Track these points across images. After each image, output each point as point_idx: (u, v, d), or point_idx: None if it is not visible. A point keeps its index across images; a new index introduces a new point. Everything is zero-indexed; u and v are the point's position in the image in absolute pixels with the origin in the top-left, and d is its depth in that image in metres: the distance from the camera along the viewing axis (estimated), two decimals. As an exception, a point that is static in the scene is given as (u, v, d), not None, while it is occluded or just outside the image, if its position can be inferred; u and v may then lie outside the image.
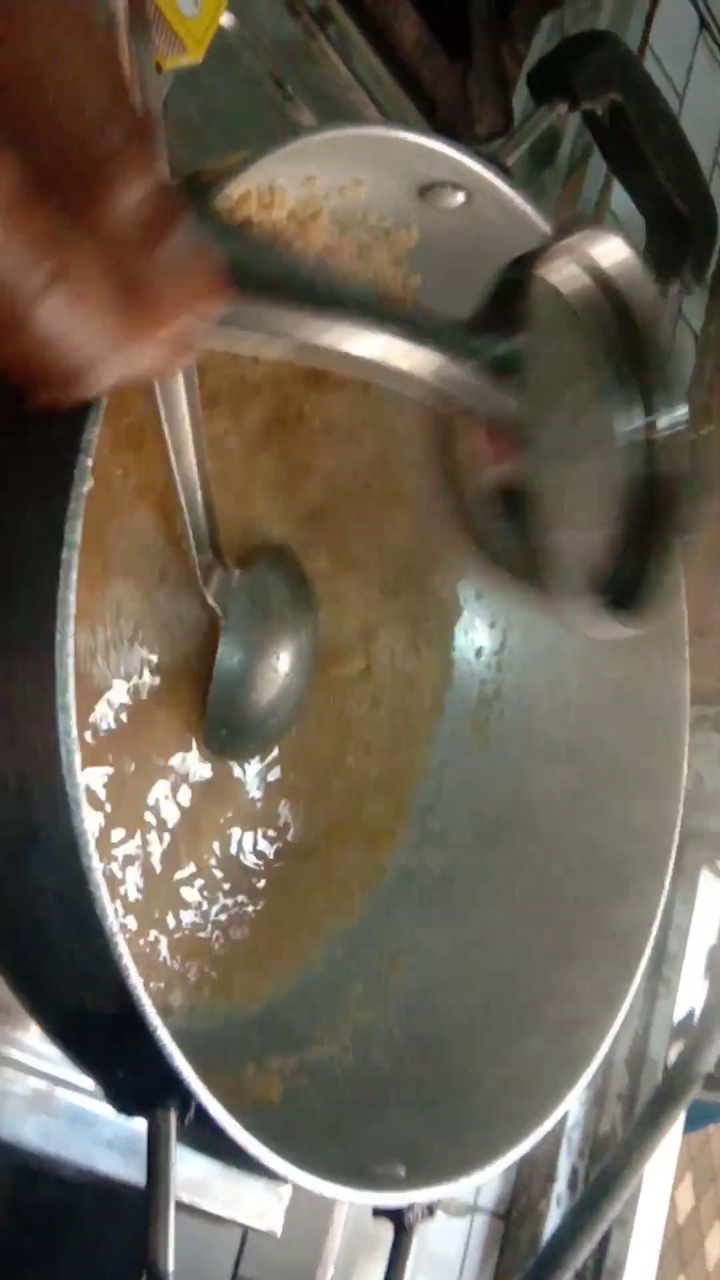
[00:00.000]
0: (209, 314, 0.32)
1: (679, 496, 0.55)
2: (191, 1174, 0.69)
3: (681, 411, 0.55)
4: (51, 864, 0.43)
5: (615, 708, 0.71)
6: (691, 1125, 1.85)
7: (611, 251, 0.52)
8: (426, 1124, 0.60)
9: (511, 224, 0.59)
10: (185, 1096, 0.45)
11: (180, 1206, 0.66)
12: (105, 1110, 0.64)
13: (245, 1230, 0.74)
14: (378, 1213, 0.54)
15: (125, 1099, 0.46)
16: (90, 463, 0.41)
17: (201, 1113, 0.45)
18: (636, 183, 0.64)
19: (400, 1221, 0.54)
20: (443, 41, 0.78)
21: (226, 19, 0.66)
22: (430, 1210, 0.54)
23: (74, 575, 0.41)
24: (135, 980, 0.43)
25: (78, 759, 0.41)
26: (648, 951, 0.65)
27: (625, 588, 0.53)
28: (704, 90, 1.11)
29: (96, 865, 0.41)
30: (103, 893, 0.41)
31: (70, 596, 0.41)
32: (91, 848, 0.41)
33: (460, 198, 0.58)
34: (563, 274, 0.52)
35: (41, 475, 0.42)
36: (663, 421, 0.55)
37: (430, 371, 0.43)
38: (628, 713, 0.70)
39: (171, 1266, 0.44)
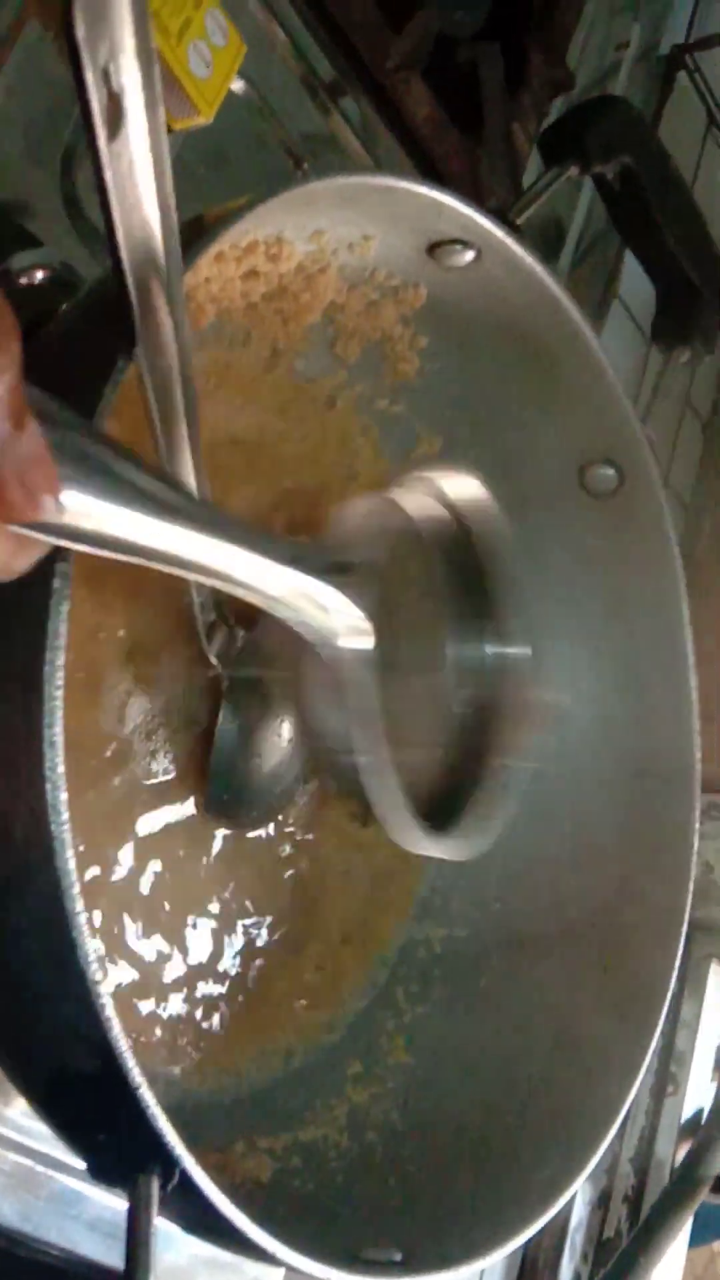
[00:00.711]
0: (44, 514, 0.33)
1: (508, 724, 0.57)
2: (176, 1261, 0.66)
3: (521, 650, 0.57)
4: (33, 909, 0.41)
5: (623, 783, 0.69)
6: (697, 1239, 1.79)
7: (466, 488, 0.56)
8: (421, 1209, 0.57)
9: (520, 284, 0.59)
10: (168, 1163, 0.42)
11: (164, 1296, 0.64)
12: (89, 1191, 0.62)
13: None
14: (370, 1299, 0.52)
15: (105, 1166, 0.44)
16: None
17: (185, 1182, 0.43)
18: (647, 250, 0.64)
19: (394, 1308, 0.51)
20: (454, 118, 0.78)
21: (238, 84, 0.67)
22: (425, 1297, 0.51)
23: (65, 606, 0.40)
24: (117, 1034, 0.41)
25: (63, 796, 0.40)
26: (654, 1044, 0.63)
27: (450, 809, 0.55)
28: (712, 183, 1.12)
29: (80, 909, 0.40)
30: (85, 938, 0.40)
31: (61, 629, 0.40)
32: (75, 890, 0.39)
33: (469, 256, 0.57)
34: (417, 503, 0.56)
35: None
36: (501, 651, 0.56)
37: (267, 583, 0.45)
38: (635, 789, 0.69)
39: (150, 1341, 0.41)
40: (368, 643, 0.51)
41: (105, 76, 0.36)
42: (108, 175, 0.38)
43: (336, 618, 0.49)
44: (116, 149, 0.38)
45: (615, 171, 0.60)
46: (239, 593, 0.45)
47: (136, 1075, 0.41)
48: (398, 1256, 0.52)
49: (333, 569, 0.49)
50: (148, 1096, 0.42)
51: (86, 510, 0.35)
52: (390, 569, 0.53)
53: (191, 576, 0.44)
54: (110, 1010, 0.40)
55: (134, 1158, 0.43)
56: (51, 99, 0.62)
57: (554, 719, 0.66)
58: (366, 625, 0.50)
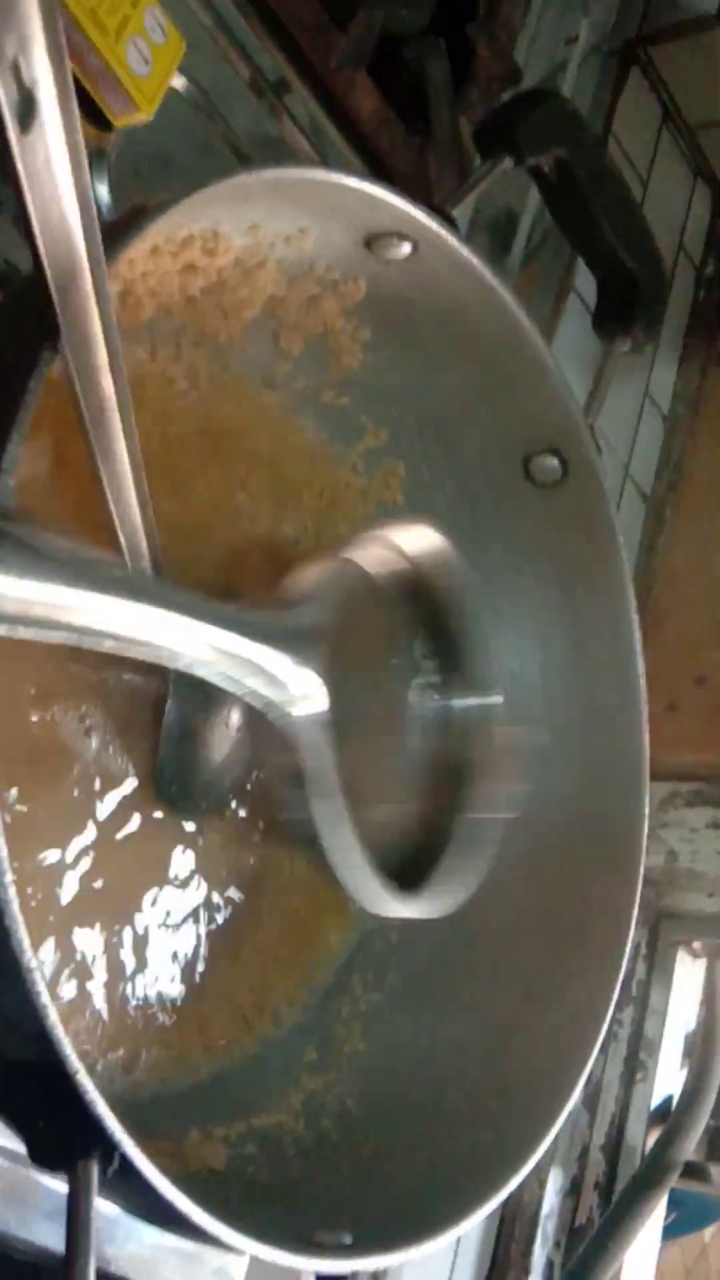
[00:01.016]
0: None
1: (479, 776, 0.57)
2: (139, 1252, 0.66)
3: (492, 699, 0.57)
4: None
5: (574, 774, 0.69)
6: (687, 1226, 1.80)
7: (422, 540, 0.56)
8: (374, 1194, 0.58)
9: (459, 276, 0.60)
10: (108, 1147, 0.43)
11: (124, 1286, 0.64)
12: (46, 1180, 0.62)
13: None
14: (321, 1282, 0.52)
15: (46, 1151, 0.44)
16: (13, 483, 0.41)
17: (127, 1167, 0.44)
18: (584, 240, 0.64)
19: (343, 1290, 0.52)
20: (401, 115, 0.79)
21: (179, 81, 0.67)
22: (375, 1279, 0.52)
23: None
24: (54, 1021, 0.41)
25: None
26: (604, 1027, 0.63)
27: (419, 865, 0.55)
28: (667, 178, 1.12)
29: (13, 896, 0.40)
30: (19, 925, 0.40)
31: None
32: (8, 877, 0.40)
33: (406, 248, 0.58)
34: (374, 558, 0.56)
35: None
36: (466, 703, 0.57)
37: (213, 654, 0.44)
38: (586, 779, 0.69)
39: (89, 1324, 0.42)
40: (321, 705, 0.50)
41: (15, 70, 0.37)
42: (21, 170, 0.38)
43: (289, 684, 0.49)
44: (30, 143, 0.38)
45: (550, 164, 0.61)
46: (181, 665, 0.44)
47: (74, 1062, 0.42)
48: (348, 1239, 0.53)
49: (281, 633, 0.48)
50: (85, 1082, 0.42)
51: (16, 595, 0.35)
52: (347, 626, 0.52)
53: (127, 653, 0.42)
54: (46, 997, 0.41)
55: (74, 1143, 0.43)
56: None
57: (528, 770, 0.65)
58: (320, 688, 0.50)
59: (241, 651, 0.46)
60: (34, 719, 0.55)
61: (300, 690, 0.50)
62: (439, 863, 0.57)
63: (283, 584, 0.55)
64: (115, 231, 0.46)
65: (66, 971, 0.56)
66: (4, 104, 0.37)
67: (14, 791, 0.53)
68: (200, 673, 0.46)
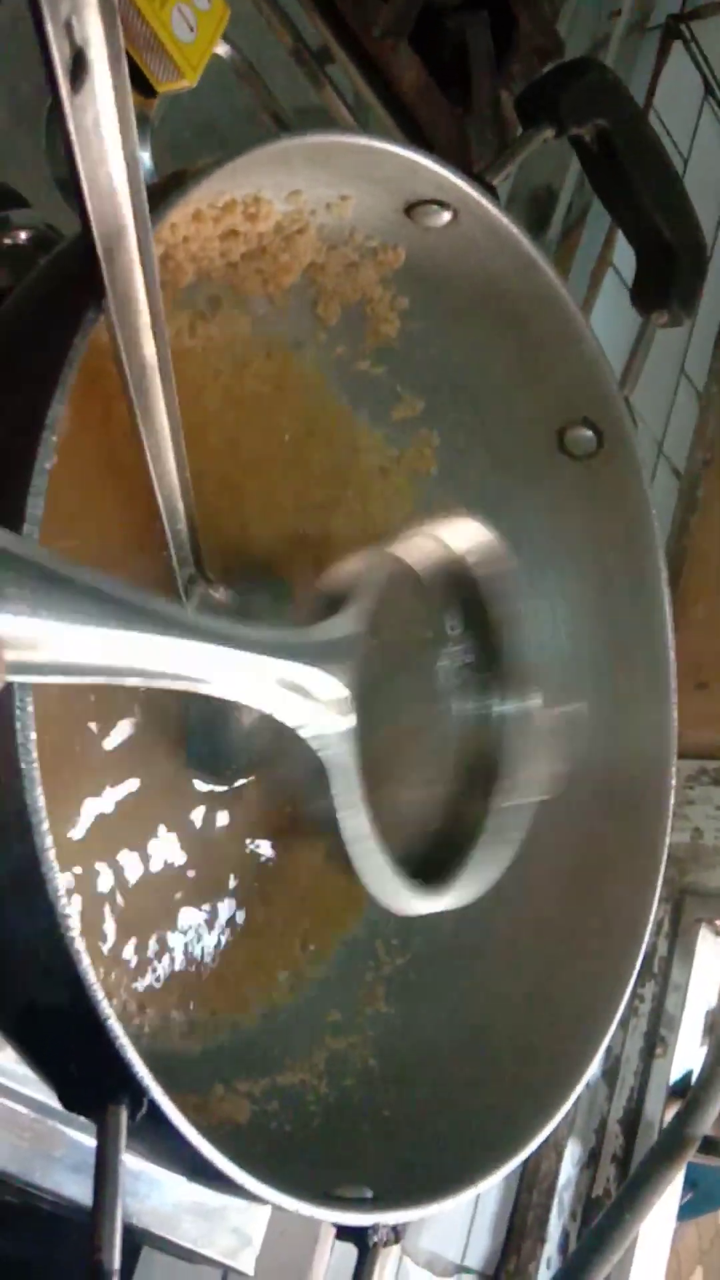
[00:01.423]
0: None
1: (508, 767, 0.57)
2: (160, 1207, 0.67)
3: (533, 701, 0.57)
4: (3, 847, 0.42)
5: (602, 745, 0.70)
6: (704, 1206, 1.81)
7: (468, 534, 0.56)
8: (395, 1152, 0.59)
9: (498, 245, 0.60)
10: (137, 1094, 0.44)
11: (150, 1236, 0.65)
12: (73, 1133, 0.64)
13: (225, 1271, 0.72)
14: (342, 1235, 0.53)
15: (76, 1097, 0.45)
16: (56, 439, 0.41)
17: (155, 1113, 0.44)
18: (624, 212, 0.64)
19: (364, 1243, 0.52)
20: (443, 86, 0.79)
21: (223, 49, 0.68)
22: (395, 1234, 0.53)
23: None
24: (86, 966, 0.42)
25: (33, 736, 0.41)
26: (627, 994, 0.64)
27: (441, 857, 0.55)
28: (708, 153, 1.12)
29: (49, 844, 0.41)
30: (54, 874, 0.41)
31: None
32: (45, 826, 0.41)
33: (446, 216, 0.58)
34: (419, 552, 0.56)
35: (3, 453, 0.42)
36: (507, 705, 0.57)
37: (250, 679, 0.44)
38: (614, 751, 0.69)
39: (117, 1265, 0.42)
40: (349, 721, 0.50)
41: (68, 29, 0.37)
42: (72, 129, 0.39)
43: (319, 698, 0.48)
44: (80, 103, 0.39)
45: (591, 134, 0.61)
46: (208, 691, 0.44)
47: (105, 1007, 0.43)
48: (369, 1194, 0.53)
49: (313, 649, 0.48)
50: (116, 1029, 0.43)
51: (33, 638, 0.34)
52: (383, 622, 0.52)
53: (166, 685, 0.41)
54: (80, 944, 0.42)
55: (104, 1089, 0.44)
56: (36, 64, 0.63)
57: (563, 752, 0.64)
58: (348, 702, 0.49)
59: (272, 672, 0.46)
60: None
61: (329, 704, 0.49)
62: (465, 854, 0.57)
63: (323, 577, 0.56)
64: (159, 194, 0.46)
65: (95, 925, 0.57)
66: (57, 62, 0.37)
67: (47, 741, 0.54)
68: (229, 696, 0.45)
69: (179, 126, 0.68)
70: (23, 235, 0.59)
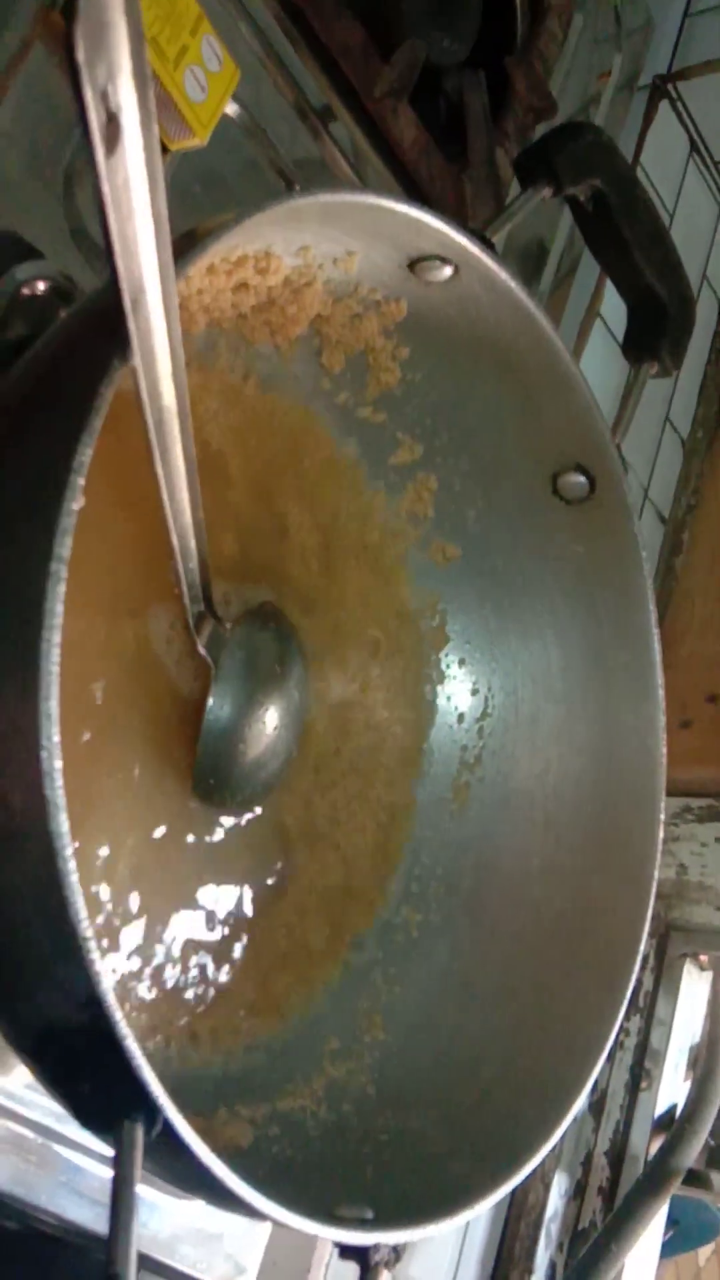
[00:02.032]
0: None
1: None
2: (159, 1233, 0.68)
3: None
4: (27, 868, 0.44)
5: (592, 780, 0.72)
6: (684, 1245, 1.81)
7: None
8: (393, 1175, 0.60)
9: (497, 298, 0.62)
10: (152, 1111, 0.45)
11: (148, 1261, 0.67)
12: (81, 1160, 0.65)
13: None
14: (344, 1254, 0.54)
15: (90, 1113, 0.47)
16: (82, 482, 0.43)
17: (168, 1131, 0.46)
18: (616, 267, 0.67)
19: (366, 1262, 0.54)
20: (440, 143, 0.82)
21: (232, 108, 0.70)
22: (396, 1254, 0.54)
23: (61, 587, 0.43)
24: (106, 987, 0.43)
25: (58, 764, 0.43)
26: (616, 1027, 0.65)
27: None
28: (693, 209, 1.15)
29: (73, 869, 0.43)
30: (77, 896, 0.42)
31: (58, 608, 0.43)
32: (68, 851, 0.42)
33: (448, 271, 0.61)
34: None
35: (31, 493, 0.44)
36: None
37: None
38: (604, 786, 0.71)
39: (133, 1277, 0.44)
40: None
41: (104, 97, 0.39)
42: (105, 189, 0.41)
43: None
44: (113, 164, 0.41)
45: (586, 194, 0.63)
46: None
47: (124, 1028, 0.44)
48: (369, 1214, 0.55)
49: None
50: (134, 1048, 0.44)
51: None
52: None
53: None
54: (100, 964, 0.43)
55: (118, 1106, 0.46)
56: (54, 120, 0.66)
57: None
58: None
59: None
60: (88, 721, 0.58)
61: None
62: None
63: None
64: (178, 250, 0.49)
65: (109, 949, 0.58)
66: (94, 127, 0.39)
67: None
68: None
69: (188, 179, 0.70)
70: (40, 286, 0.61)
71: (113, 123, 0.41)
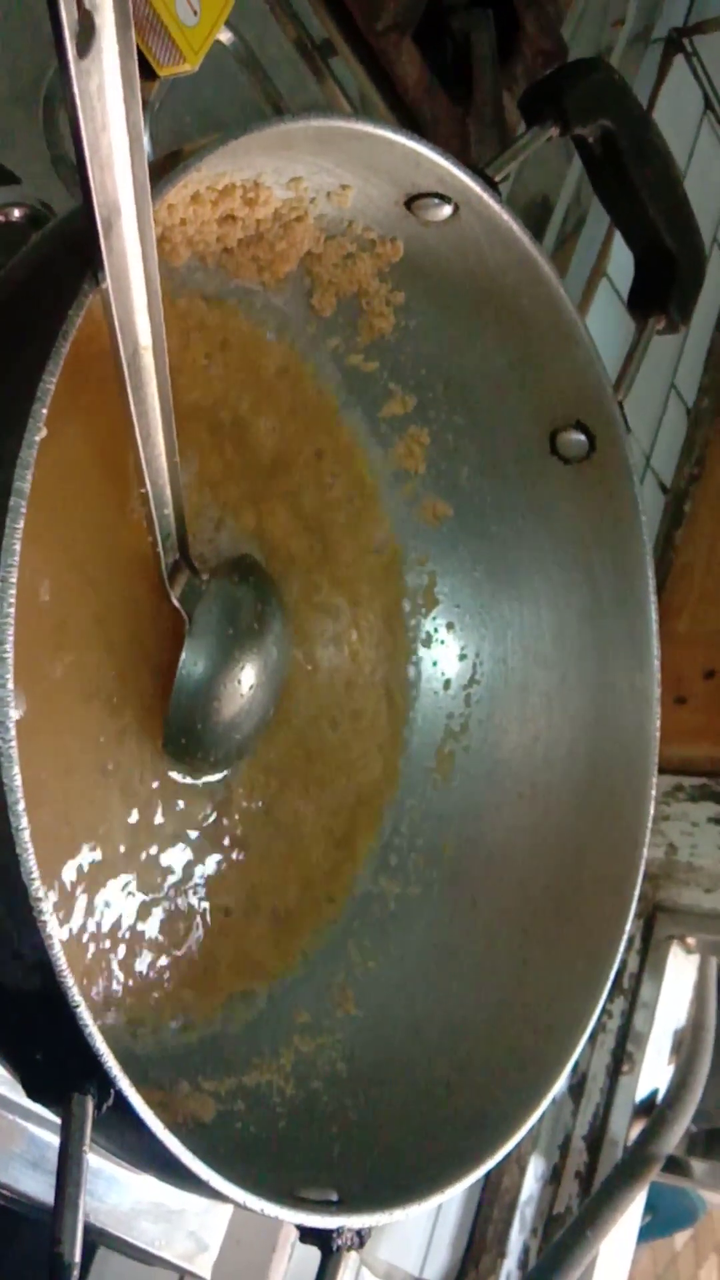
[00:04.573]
0: None
1: None
2: (118, 1205, 0.66)
3: None
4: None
5: (583, 752, 0.69)
6: (660, 1230, 1.80)
7: None
8: (360, 1156, 0.58)
9: (498, 242, 0.59)
10: (103, 1083, 0.43)
11: (106, 1236, 0.64)
12: (33, 1129, 0.62)
13: (182, 1274, 0.71)
14: (305, 1237, 0.52)
15: (41, 1084, 0.44)
16: (45, 411, 0.41)
17: (121, 1104, 0.43)
18: (625, 215, 0.64)
19: (328, 1246, 0.51)
20: (446, 84, 0.79)
21: (225, 35, 0.67)
22: (360, 1238, 0.52)
23: (20, 524, 0.40)
24: (57, 951, 0.41)
25: (12, 713, 0.40)
26: (599, 1007, 0.63)
27: None
28: (707, 167, 1.12)
29: (25, 825, 0.40)
30: (29, 852, 0.40)
31: (15, 546, 0.40)
32: (21, 806, 0.40)
33: (446, 210, 0.58)
34: None
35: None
36: None
37: None
38: (596, 759, 0.69)
39: (78, 1259, 0.41)
40: None
41: (77, -7, 0.36)
42: (76, 94, 0.38)
43: None
44: (86, 67, 0.38)
45: (595, 135, 0.60)
46: None
47: (75, 994, 0.42)
48: (334, 1197, 0.53)
49: None
50: (85, 1015, 0.42)
51: None
52: None
53: None
54: (52, 926, 0.41)
55: (70, 1077, 0.43)
56: (35, 41, 0.62)
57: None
58: None
59: None
60: (57, 667, 0.55)
61: None
62: None
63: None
64: (158, 171, 0.46)
65: (65, 915, 0.56)
66: (65, 25, 0.36)
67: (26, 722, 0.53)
68: None
69: (180, 111, 0.67)
70: (16, 213, 0.58)
71: (86, 21, 0.38)
